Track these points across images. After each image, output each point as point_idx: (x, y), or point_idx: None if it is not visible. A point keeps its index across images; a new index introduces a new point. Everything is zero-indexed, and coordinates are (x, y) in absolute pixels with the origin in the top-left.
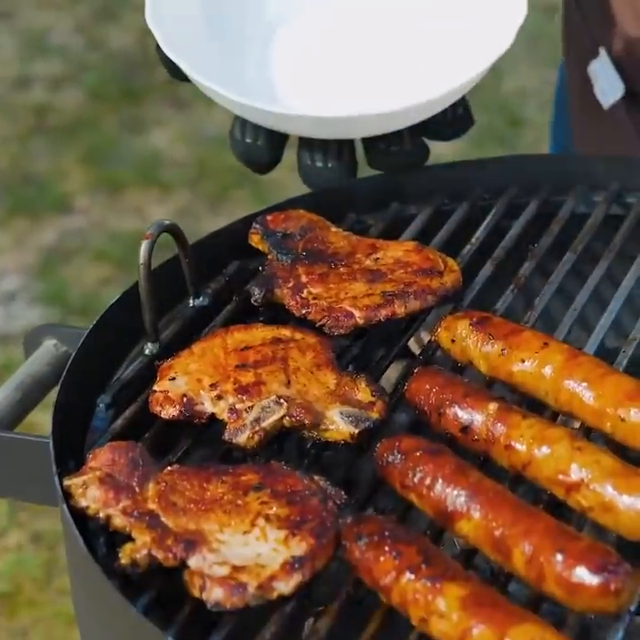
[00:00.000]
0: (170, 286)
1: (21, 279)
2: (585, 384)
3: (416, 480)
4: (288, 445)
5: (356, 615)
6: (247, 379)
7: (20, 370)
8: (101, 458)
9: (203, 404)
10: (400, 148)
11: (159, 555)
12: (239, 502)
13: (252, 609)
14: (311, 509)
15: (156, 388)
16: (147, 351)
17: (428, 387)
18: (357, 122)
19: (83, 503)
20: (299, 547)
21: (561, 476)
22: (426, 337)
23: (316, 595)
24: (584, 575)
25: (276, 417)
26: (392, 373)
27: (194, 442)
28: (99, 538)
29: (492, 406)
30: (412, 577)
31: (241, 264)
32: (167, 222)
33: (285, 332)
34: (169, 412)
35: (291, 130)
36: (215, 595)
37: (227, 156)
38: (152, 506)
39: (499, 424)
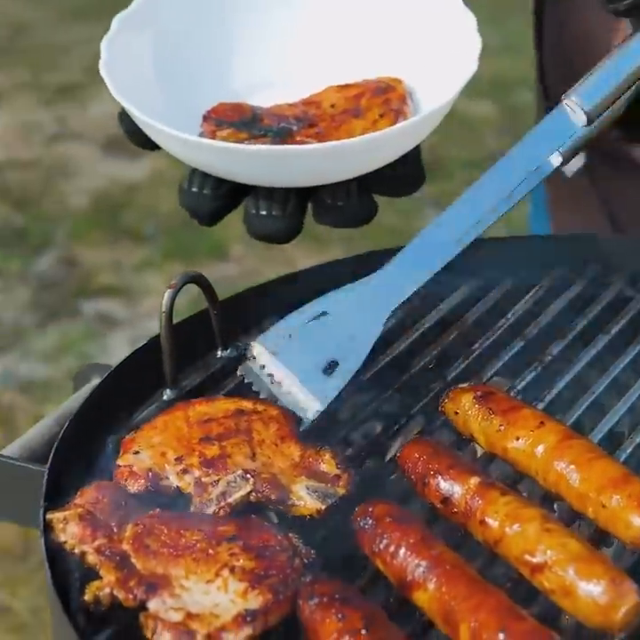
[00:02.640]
0: (202, 338)
1: None
2: (572, 466)
3: (382, 546)
4: None
5: None
6: (212, 452)
7: (63, 404)
8: (87, 496)
9: (168, 478)
10: (346, 203)
11: (120, 594)
12: (210, 551)
13: None
14: (277, 565)
15: (119, 462)
16: (165, 397)
17: (416, 455)
18: (288, 159)
19: (61, 538)
20: (255, 600)
21: (527, 556)
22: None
23: None
24: None
25: (242, 492)
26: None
27: None
28: (74, 573)
29: (474, 480)
30: None
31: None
32: (193, 273)
33: (247, 405)
34: (134, 486)
35: (228, 170)
36: (164, 639)
37: (384, 216)
38: (125, 547)
39: (477, 498)
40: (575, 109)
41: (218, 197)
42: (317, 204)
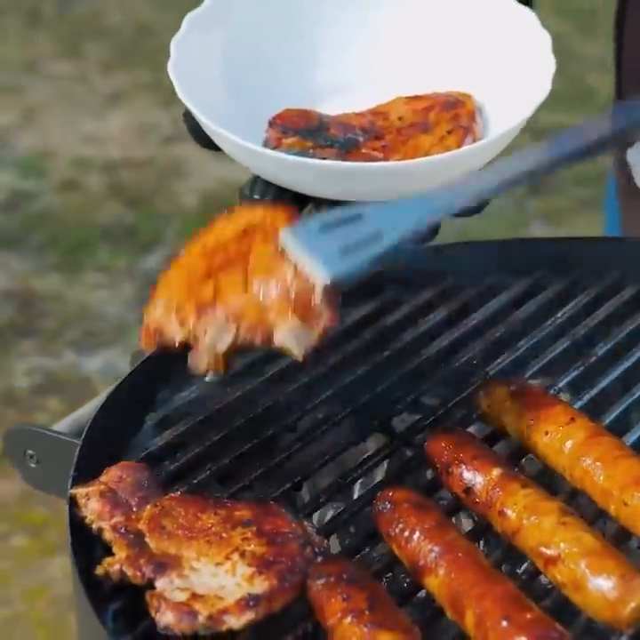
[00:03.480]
0: None
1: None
2: (598, 463)
3: (398, 531)
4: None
5: None
6: (206, 292)
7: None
8: (111, 474)
9: (172, 332)
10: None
11: (129, 571)
12: (224, 535)
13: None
14: (287, 552)
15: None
16: (207, 378)
17: (443, 445)
18: (351, 175)
19: (83, 512)
20: (260, 585)
21: (542, 548)
22: None
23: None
24: None
25: (226, 341)
26: None
27: None
28: (94, 547)
29: (496, 472)
30: (354, 620)
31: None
32: None
33: (258, 215)
34: (147, 346)
35: (290, 181)
36: (166, 618)
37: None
38: (142, 526)
39: (497, 489)
40: None
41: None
42: None
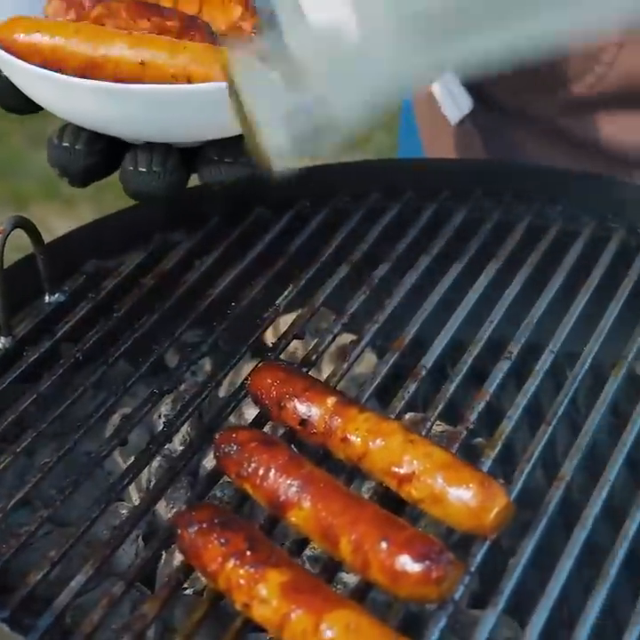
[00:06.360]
0: (28, 283)
1: None
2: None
3: (250, 470)
4: None
5: (186, 601)
6: None
7: None
8: None
9: None
10: (234, 161)
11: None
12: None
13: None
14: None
15: None
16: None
17: (269, 380)
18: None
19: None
20: None
21: (394, 468)
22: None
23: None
24: (406, 563)
25: None
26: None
27: None
28: None
29: (331, 400)
30: (237, 563)
31: (98, 263)
32: (19, 217)
33: None
34: None
35: (105, 121)
36: None
37: None
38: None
39: (336, 417)
40: None
41: (93, 154)
42: (201, 160)
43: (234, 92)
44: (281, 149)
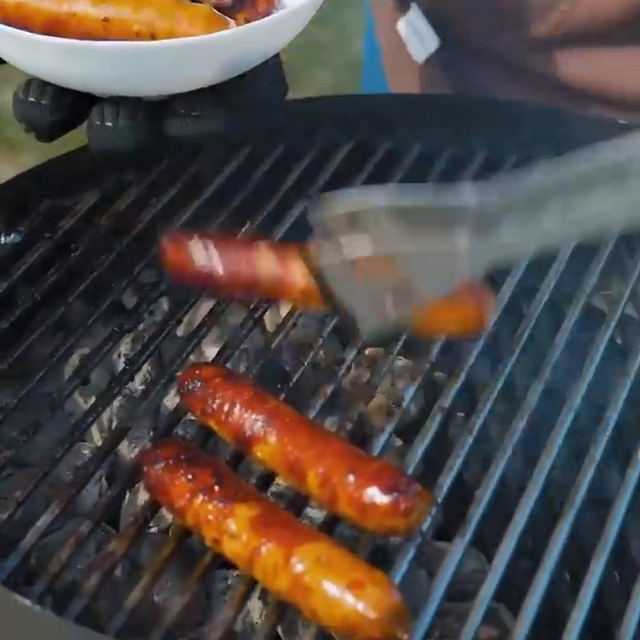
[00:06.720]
0: None
1: None
2: None
3: (215, 406)
4: None
5: (152, 540)
6: None
7: None
8: None
9: None
10: (201, 115)
11: None
12: None
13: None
14: None
15: None
16: None
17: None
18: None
19: None
20: None
21: None
22: None
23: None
24: (374, 494)
25: None
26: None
27: None
28: None
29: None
30: (205, 498)
31: (53, 202)
32: None
33: None
34: None
35: (69, 77)
36: None
37: None
38: None
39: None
40: None
41: (60, 109)
42: (168, 114)
43: (320, 277)
44: (374, 330)
